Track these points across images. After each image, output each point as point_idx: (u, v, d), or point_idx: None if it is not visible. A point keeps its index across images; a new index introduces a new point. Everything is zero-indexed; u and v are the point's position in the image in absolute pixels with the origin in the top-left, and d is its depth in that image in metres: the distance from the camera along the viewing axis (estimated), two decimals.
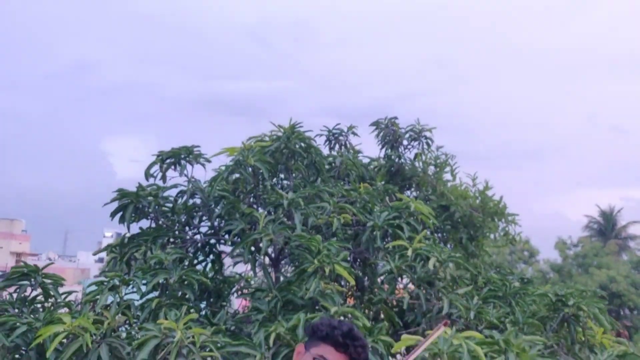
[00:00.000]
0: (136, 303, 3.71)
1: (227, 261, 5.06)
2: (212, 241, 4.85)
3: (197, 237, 4.74)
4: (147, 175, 4.37)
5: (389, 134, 6.22)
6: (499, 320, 3.94)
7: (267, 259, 4.56)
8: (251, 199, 4.46)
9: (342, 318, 3.47)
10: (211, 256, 4.87)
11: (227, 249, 4.83)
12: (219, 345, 3.25)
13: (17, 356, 3.50)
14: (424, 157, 6.15)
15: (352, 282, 3.67)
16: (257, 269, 4.75)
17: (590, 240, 26.79)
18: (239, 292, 4.32)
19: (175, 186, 4.34)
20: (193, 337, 3.16)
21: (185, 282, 3.82)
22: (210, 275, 4.59)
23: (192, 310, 3.47)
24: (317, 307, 3.74)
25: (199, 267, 4.57)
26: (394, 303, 4.71)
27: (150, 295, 3.76)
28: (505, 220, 5.90)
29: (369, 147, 6.34)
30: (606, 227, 29.98)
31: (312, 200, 4.17)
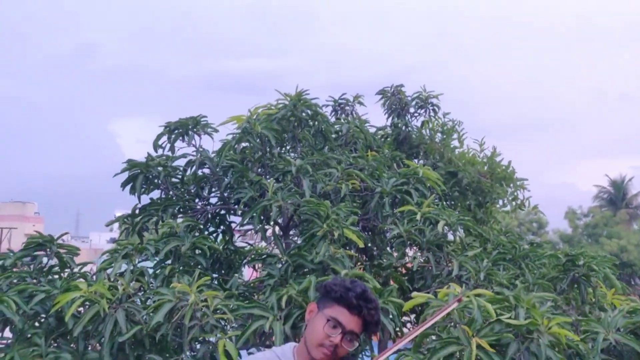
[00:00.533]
0: (150, 271, 3.77)
1: (238, 234, 5.13)
2: (222, 212, 4.90)
3: (208, 208, 4.78)
4: (156, 146, 4.40)
5: (395, 102, 6.19)
6: (508, 282, 3.96)
7: (277, 228, 4.60)
8: (259, 168, 4.48)
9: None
10: (221, 227, 4.92)
11: (238, 220, 4.87)
12: (231, 308, 3.31)
13: (36, 324, 3.58)
14: (430, 125, 6.13)
15: (362, 245, 3.71)
16: (268, 237, 4.78)
17: (600, 210, 26.70)
18: (250, 259, 4.37)
19: (184, 156, 4.37)
20: (206, 300, 3.21)
21: (197, 250, 3.87)
22: (221, 246, 4.64)
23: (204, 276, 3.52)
24: (327, 272, 3.78)
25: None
26: (403, 270, 4.75)
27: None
28: (514, 185, 5.89)
29: (376, 118, 6.33)
30: (616, 196, 29.83)
31: (320, 167, 4.18)
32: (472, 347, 2.74)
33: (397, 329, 3.56)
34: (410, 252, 4.68)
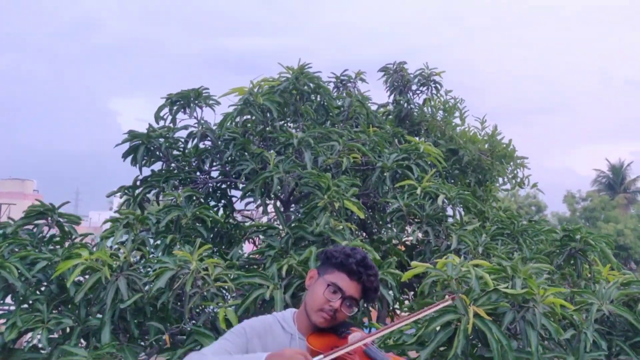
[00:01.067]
0: (151, 241, 3.79)
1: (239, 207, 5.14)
2: (224, 186, 4.91)
3: (209, 182, 4.79)
4: (157, 118, 4.39)
5: (398, 79, 6.17)
6: (506, 256, 4.00)
7: (278, 203, 4.62)
8: (261, 141, 4.48)
9: None
10: (222, 201, 4.94)
11: (239, 195, 4.89)
12: (232, 277, 3.34)
13: (38, 292, 3.61)
14: (432, 102, 6.12)
15: (362, 216, 3.73)
16: (269, 211, 4.80)
17: (598, 194, 26.76)
18: (251, 232, 4.39)
19: (185, 127, 4.37)
20: (207, 269, 3.24)
21: (198, 223, 3.89)
22: (222, 220, 4.66)
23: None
24: (327, 243, 3.80)
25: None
26: (403, 247, 4.79)
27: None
28: (514, 163, 5.91)
29: (378, 96, 6.32)
30: (615, 181, 29.88)
31: (322, 140, 4.19)
32: (469, 316, 2.78)
33: (396, 300, 3.61)
34: (409, 229, 4.71)
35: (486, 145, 6.00)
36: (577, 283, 4.20)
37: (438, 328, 2.88)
